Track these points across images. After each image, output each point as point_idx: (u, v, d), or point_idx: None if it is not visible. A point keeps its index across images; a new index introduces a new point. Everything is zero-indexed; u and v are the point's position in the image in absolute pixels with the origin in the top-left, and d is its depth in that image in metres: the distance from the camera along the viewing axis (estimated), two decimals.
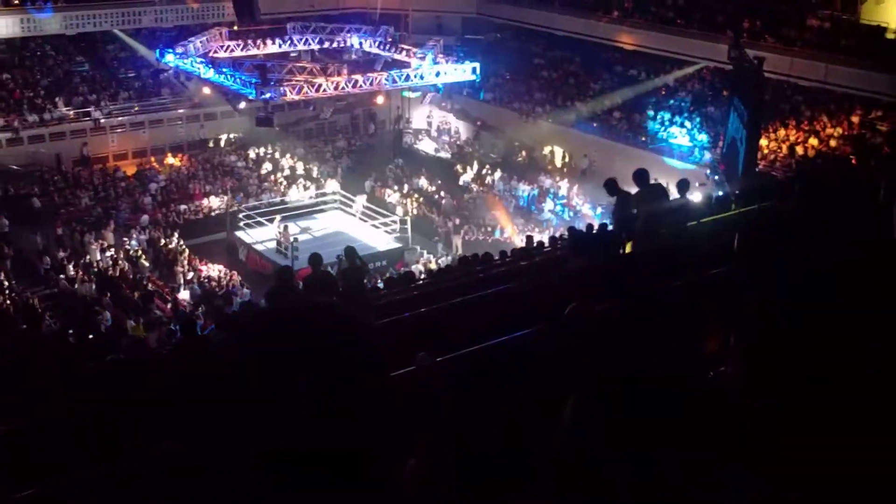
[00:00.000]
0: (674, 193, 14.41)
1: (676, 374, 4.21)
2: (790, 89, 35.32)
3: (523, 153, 42.33)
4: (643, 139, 39.07)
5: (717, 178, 32.41)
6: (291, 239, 31.86)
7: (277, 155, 41.81)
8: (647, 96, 40.87)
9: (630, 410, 3.67)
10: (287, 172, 40.11)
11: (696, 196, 26.72)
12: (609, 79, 42.90)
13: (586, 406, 3.60)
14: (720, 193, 26.75)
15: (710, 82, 39.66)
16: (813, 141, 33.89)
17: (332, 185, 38.93)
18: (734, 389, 3.46)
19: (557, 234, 25.00)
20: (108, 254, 31.60)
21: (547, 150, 42.08)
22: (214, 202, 37.13)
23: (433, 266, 28.75)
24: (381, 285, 19.91)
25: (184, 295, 29.26)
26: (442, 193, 38.62)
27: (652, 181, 12.80)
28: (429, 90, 39.22)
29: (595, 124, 40.94)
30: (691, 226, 13.55)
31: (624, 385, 3.60)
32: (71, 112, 39.96)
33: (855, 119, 33.67)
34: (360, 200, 36.75)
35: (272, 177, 39.62)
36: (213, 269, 31.35)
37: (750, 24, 36.48)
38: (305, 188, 38.68)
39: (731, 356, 3.60)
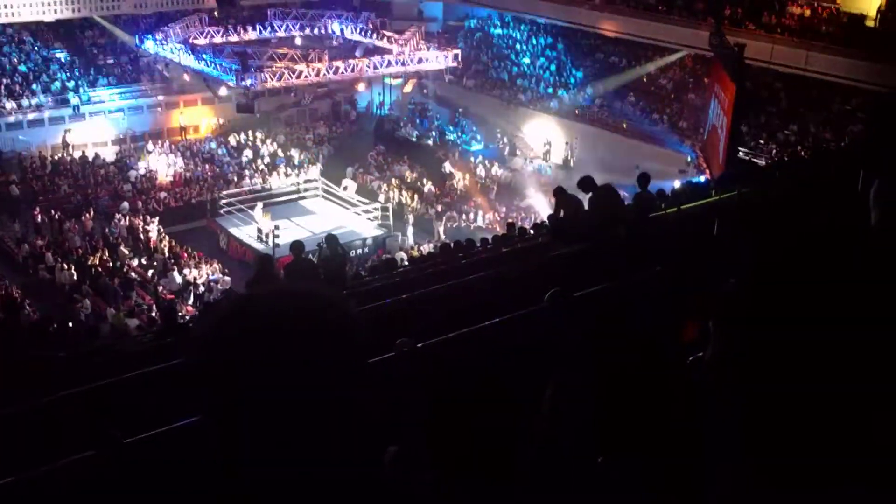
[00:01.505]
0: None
1: (655, 359, 4.23)
2: (770, 76, 35.44)
3: (504, 140, 42.34)
4: (624, 126, 39.15)
5: (697, 164, 32.57)
6: (273, 226, 31.76)
7: (259, 142, 41.63)
8: (629, 83, 40.96)
9: (609, 398, 3.69)
10: (268, 160, 39.94)
11: (676, 183, 26.90)
12: (591, 66, 42.92)
13: (564, 394, 3.62)
14: (700, 180, 26.90)
15: (692, 69, 39.75)
16: (793, 128, 34.07)
17: (313, 172, 38.80)
18: (712, 375, 3.48)
19: (539, 221, 25.03)
20: (87, 241, 31.42)
21: (528, 136, 42.10)
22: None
23: (415, 253, 28.74)
24: (363, 273, 19.88)
25: (164, 282, 29.14)
26: (424, 180, 38.59)
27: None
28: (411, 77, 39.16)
29: (577, 111, 40.98)
30: (671, 212, 13.61)
31: (602, 372, 3.61)
32: (49, 99, 39.62)
33: (834, 107, 33.86)
34: (351, 187, 36.51)
35: (253, 164, 39.45)
36: (200, 269, 31.15)
37: (731, 11, 36.56)
38: (287, 175, 38.54)
39: (710, 342, 3.62)
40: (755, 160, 31.09)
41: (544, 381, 4.26)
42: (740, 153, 28.20)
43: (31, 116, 38.96)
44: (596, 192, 11.95)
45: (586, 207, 12.26)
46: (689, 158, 34.20)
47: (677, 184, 26.82)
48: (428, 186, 37.87)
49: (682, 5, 38.84)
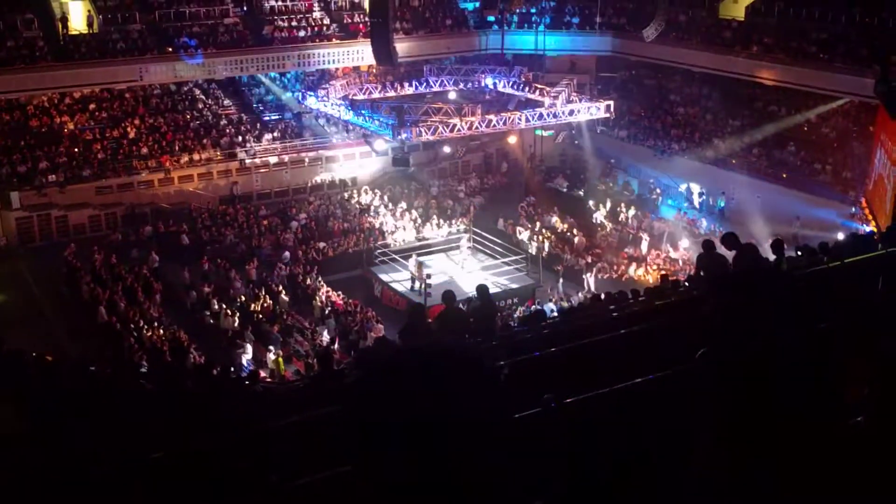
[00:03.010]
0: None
1: (812, 422, 4.11)
2: None
3: (658, 191, 41.77)
4: (784, 176, 37.99)
5: (862, 215, 31.27)
6: (425, 276, 32.30)
7: (412, 194, 42.58)
8: (788, 132, 39.82)
9: (760, 460, 3.61)
10: (420, 211, 40.75)
11: (839, 235, 25.87)
12: (748, 115, 41.97)
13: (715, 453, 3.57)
14: (864, 232, 25.77)
15: (856, 117, 38.27)
16: None
17: (465, 224, 39.33)
18: (870, 437, 3.37)
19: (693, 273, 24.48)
20: (250, 289, 32.73)
21: (683, 187, 41.41)
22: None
23: (565, 305, 28.60)
24: (512, 323, 19.94)
25: (321, 329, 30.04)
26: (574, 231, 38.47)
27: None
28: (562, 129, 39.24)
29: (734, 161, 40.08)
30: (833, 265, 13.08)
31: (753, 436, 3.56)
32: (218, 153, 41.83)
33: None
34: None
35: (407, 215, 40.32)
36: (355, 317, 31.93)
37: None
38: (439, 226, 39.18)
39: (867, 405, 3.51)
40: None
41: (694, 440, 4.23)
42: None
43: (201, 170, 41.19)
44: (739, 251, 11.69)
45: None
46: (853, 209, 32.83)
47: (840, 236, 25.83)
48: (578, 237, 37.72)
49: (845, 52, 37.60)
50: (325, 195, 42.42)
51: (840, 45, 38.26)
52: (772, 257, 13.49)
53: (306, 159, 43.36)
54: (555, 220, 39.81)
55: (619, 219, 39.67)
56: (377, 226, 39.26)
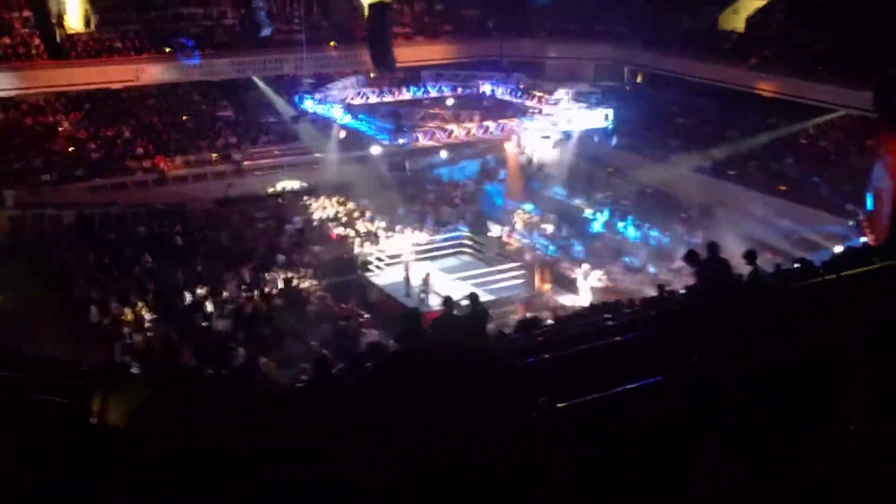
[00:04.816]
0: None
1: (812, 427, 4.04)
2: None
3: (655, 199, 41.67)
4: (782, 188, 37.96)
5: (859, 229, 31.28)
6: (420, 281, 32.17)
7: (407, 199, 42.46)
8: (786, 144, 39.80)
9: (762, 464, 3.53)
10: (416, 216, 40.62)
11: (836, 248, 25.84)
12: (746, 126, 41.98)
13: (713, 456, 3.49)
14: (860, 244, 25.76)
15: (854, 130, 38.27)
16: None
17: (460, 230, 39.22)
18: (862, 446, 3.31)
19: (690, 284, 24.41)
20: (244, 292, 32.54)
21: (681, 194, 41.27)
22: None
23: (561, 312, 28.47)
24: (507, 331, 19.87)
25: (315, 333, 29.85)
26: (571, 240, 38.37)
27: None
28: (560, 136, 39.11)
29: (731, 172, 40.04)
30: (830, 279, 13.03)
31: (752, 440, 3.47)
32: (213, 155, 41.72)
33: None
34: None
35: (402, 220, 40.17)
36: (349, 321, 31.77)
37: None
38: (434, 232, 39.07)
39: (861, 410, 3.45)
40: None
41: (689, 444, 4.15)
42: None
43: (196, 171, 41.07)
44: (705, 264, 11.70)
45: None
46: (850, 223, 32.82)
47: (838, 248, 25.81)
48: (575, 245, 37.62)
49: (844, 65, 37.63)
50: (320, 199, 42.29)
51: (840, 57, 38.27)
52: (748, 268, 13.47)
53: (301, 162, 43.28)
54: (551, 228, 39.68)
55: (616, 227, 39.55)
56: (372, 231, 39.12)
